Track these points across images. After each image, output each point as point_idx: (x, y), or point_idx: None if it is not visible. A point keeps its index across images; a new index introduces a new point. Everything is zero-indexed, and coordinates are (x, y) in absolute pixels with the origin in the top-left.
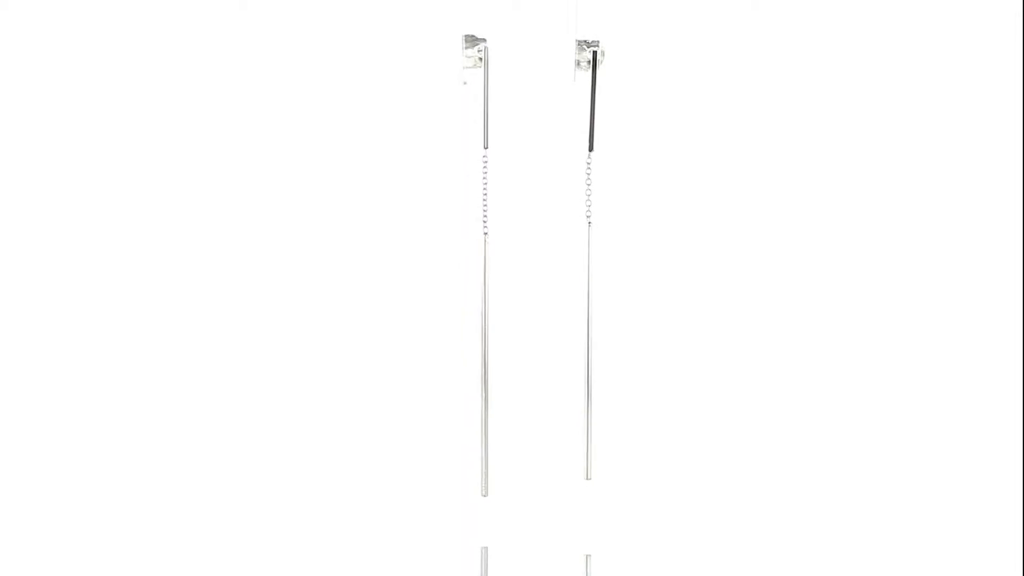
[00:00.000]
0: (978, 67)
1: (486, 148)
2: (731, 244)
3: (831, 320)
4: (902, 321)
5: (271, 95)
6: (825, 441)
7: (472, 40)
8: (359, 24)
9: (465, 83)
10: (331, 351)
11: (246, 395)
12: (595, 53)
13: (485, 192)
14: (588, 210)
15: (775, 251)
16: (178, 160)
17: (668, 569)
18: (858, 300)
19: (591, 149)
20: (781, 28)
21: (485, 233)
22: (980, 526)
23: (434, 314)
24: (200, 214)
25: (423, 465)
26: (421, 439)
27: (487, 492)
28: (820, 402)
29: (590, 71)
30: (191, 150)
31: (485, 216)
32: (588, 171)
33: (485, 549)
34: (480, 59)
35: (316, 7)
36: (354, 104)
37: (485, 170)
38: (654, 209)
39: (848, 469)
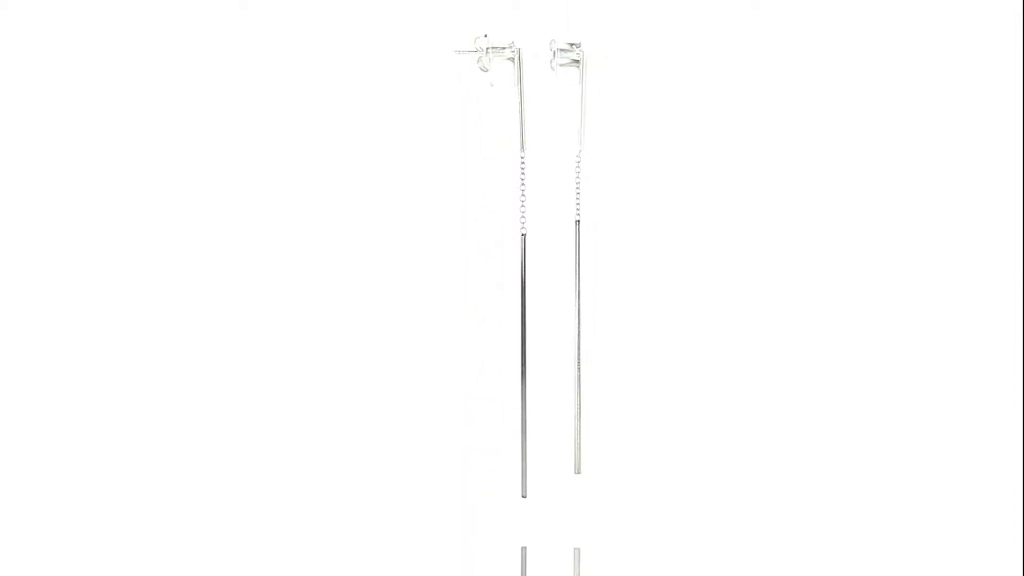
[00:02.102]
0: (978, 67)
1: (523, 150)
2: (721, 243)
3: (817, 315)
4: (890, 316)
5: (275, 96)
6: (810, 435)
7: (497, 48)
8: (361, 24)
9: (492, 84)
10: (338, 355)
11: (277, 400)
12: (583, 53)
13: (523, 193)
14: (577, 208)
15: (764, 249)
16: (183, 162)
17: (689, 566)
18: (846, 299)
19: (581, 148)
20: (774, 27)
21: (523, 234)
22: (978, 526)
23: (446, 316)
24: (210, 215)
25: (438, 469)
26: (428, 440)
27: (526, 493)
28: (806, 397)
29: (580, 70)
30: (197, 152)
31: (523, 216)
32: (578, 169)
33: (524, 549)
34: (512, 59)
35: (319, 7)
36: (355, 104)
37: (523, 171)
38: (642, 207)
39: (832, 463)
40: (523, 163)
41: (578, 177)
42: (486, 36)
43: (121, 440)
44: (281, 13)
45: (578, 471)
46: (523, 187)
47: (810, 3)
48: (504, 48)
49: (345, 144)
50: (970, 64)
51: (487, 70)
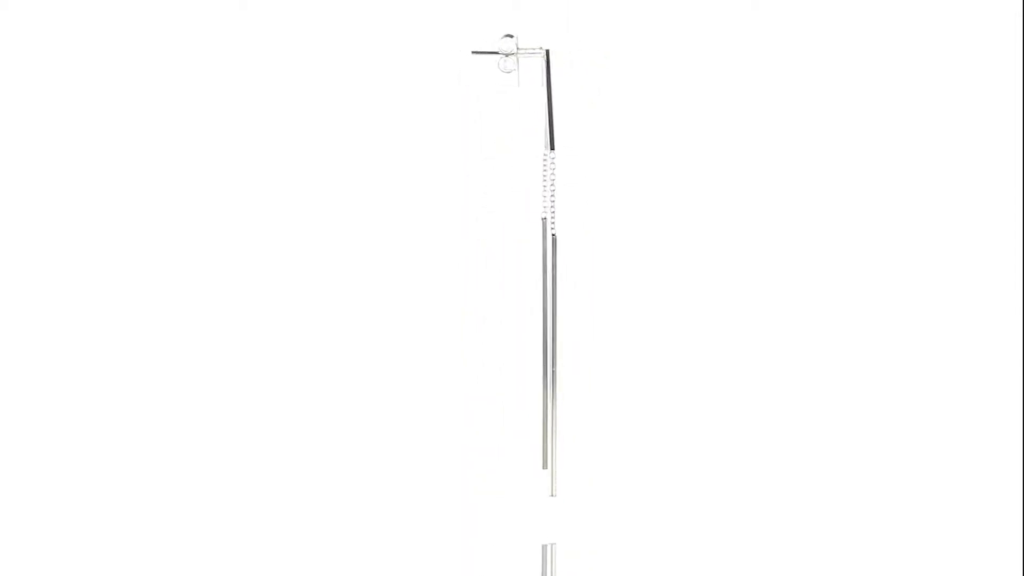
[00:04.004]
0: (979, 67)
1: (550, 149)
2: (718, 244)
3: (792, 314)
4: (876, 324)
5: (276, 97)
6: (797, 433)
7: (527, 49)
8: (360, 25)
9: (519, 84)
10: (342, 355)
11: (310, 401)
12: (547, 52)
13: (553, 193)
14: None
15: (762, 250)
16: (185, 162)
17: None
18: (834, 303)
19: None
20: (774, 27)
21: (553, 235)
22: (977, 526)
23: (449, 316)
24: (212, 215)
25: (456, 468)
26: (442, 439)
27: (555, 492)
28: (777, 394)
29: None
30: (199, 152)
31: (553, 217)
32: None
33: (552, 546)
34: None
35: (319, 7)
36: (354, 105)
37: (554, 170)
38: (626, 208)
39: (813, 459)
40: (554, 163)
41: (544, 177)
42: (512, 37)
43: (121, 440)
44: (281, 13)
45: (545, 466)
46: (553, 187)
47: (810, 3)
48: (538, 49)
49: (343, 145)
50: (971, 64)
51: (510, 71)
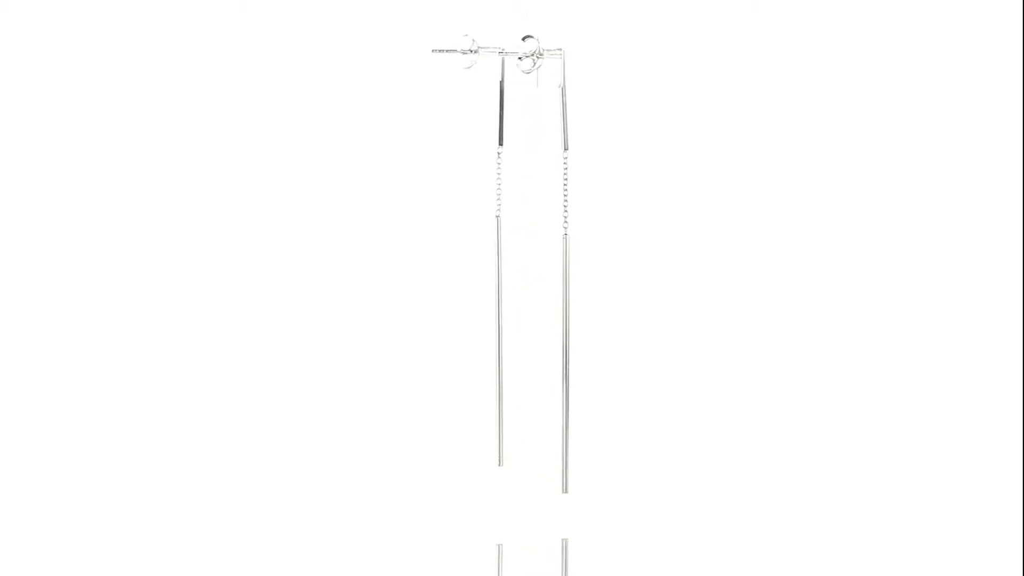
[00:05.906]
0: (979, 67)
1: (564, 149)
2: (720, 247)
3: (788, 315)
4: (897, 328)
5: (275, 97)
6: (796, 436)
7: (551, 50)
8: (363, 26)
9: (538, 85)
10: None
11: (326, 395)
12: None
13: (566, 192)
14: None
15: (762, 253)
16: (180, 159)
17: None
18: (840, 309)
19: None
20: (774, 27)
21: (565, 234)
22: (975, 528)
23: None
24: (207, 213)
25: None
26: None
27: (567, 489)
28: (778, 394)
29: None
30: (195, 150)
31: (566, 216)
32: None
33: (565, 542)
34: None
35: (320, 7)
36: (352, 106)
37: (566, 170)
38: (630, 210)
39: (807, 462)
40: (566, 163)
41: (499, 177)
42: (533, 38)
43: (124, 440)
44: (281, 13)
45: (500, 463)
46: (566, 187)
47: (810, 3)
48: (558, 51)
49: (342, 146)
50: (971, 64)
51: (529, 72)
